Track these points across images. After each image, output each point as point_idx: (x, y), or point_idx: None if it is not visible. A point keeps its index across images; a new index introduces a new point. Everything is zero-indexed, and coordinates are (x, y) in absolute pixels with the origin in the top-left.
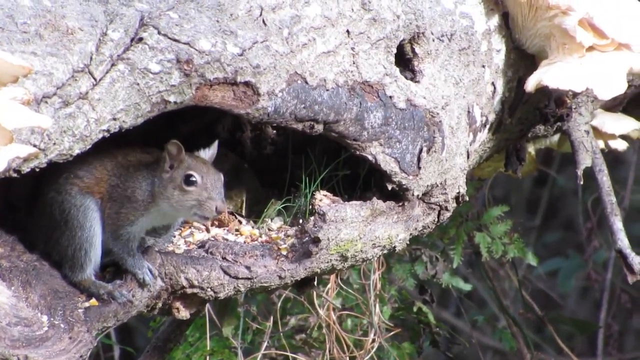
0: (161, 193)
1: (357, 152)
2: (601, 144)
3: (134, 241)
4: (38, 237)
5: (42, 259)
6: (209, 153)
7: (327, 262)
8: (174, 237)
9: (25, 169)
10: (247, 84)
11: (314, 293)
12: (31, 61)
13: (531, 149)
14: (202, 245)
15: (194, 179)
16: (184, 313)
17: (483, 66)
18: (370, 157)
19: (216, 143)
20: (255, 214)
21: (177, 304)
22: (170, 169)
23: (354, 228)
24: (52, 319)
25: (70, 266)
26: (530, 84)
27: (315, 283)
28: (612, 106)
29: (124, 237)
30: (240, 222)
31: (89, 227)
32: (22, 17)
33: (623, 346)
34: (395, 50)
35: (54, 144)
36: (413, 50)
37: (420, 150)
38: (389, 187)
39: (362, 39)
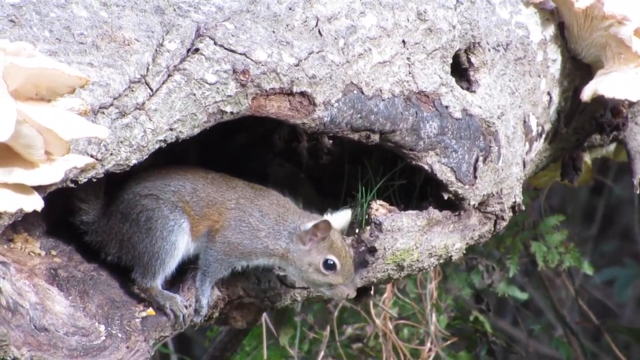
0: (294, 261)
1: (413, 162)
2: None
3: (229, 270)
4: (110, 239)
5: (100, 268)
6: (341, 220)
7: (384, 271)
8: None
9: (83, 179)
10: (303, 94)
11: (371, 302)
12: (88, 72)
13: (587, 158)
14: None
15: (333, 263)
16: (240, 322)
17: (539, 76)
18: (426, 167)
19: (348, 211)
20: None
21: (234, 314)
22: (309, 240)
23: (410, 237)
24: (109, 329)
25: (142, 272)
26: (586, 94)
27: (372, 292)
28: None
29: (226, 263)
30: None
31: (173, 242)
32: (79, 28)
33: None
34: (451, 60)
35: (111, 154)
36: (469, 60)
37: (477, 160)
38: (445, 196)
39: (418, 49)
